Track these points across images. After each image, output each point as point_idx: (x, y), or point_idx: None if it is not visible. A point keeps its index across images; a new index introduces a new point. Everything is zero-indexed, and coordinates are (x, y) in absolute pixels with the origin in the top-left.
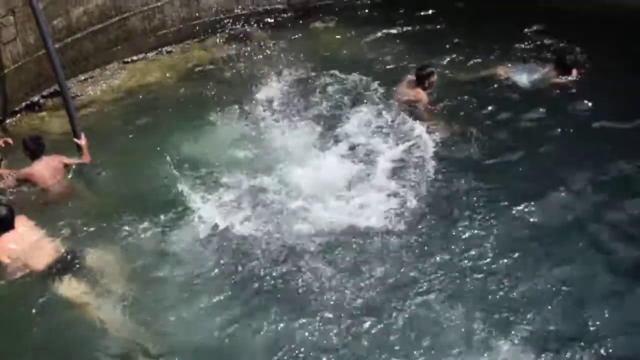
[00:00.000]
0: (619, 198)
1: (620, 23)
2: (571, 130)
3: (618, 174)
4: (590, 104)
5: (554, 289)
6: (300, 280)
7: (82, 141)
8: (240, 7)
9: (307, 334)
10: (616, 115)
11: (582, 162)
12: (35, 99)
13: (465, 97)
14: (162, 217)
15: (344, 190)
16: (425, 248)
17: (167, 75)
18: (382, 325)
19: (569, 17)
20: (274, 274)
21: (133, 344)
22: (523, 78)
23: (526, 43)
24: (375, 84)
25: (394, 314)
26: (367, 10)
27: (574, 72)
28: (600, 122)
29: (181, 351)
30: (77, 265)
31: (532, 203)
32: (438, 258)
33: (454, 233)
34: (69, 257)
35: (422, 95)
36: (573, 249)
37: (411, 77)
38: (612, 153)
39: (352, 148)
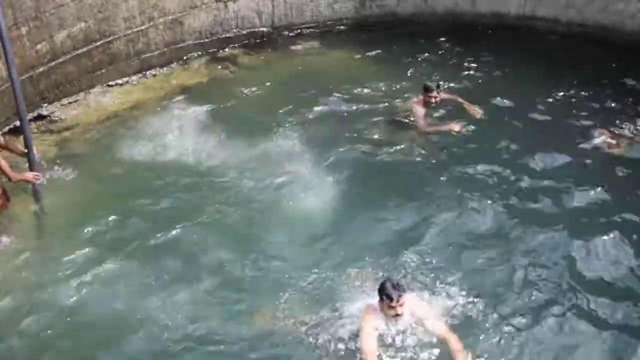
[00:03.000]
0: None
1: None
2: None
3: None
4: None
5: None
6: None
7: (35, 176)
8: (224, 30)
9: None
10: None
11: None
12: (18, 123)
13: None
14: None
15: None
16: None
17: (151, 98)
18: None
19: None
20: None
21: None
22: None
23: None
24: (360, 103)
25: None
26: (348, 33)
27: None
28: None
29: None
30: None
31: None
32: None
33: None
34: None
35: (415, 108)
36: None
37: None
38: None
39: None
